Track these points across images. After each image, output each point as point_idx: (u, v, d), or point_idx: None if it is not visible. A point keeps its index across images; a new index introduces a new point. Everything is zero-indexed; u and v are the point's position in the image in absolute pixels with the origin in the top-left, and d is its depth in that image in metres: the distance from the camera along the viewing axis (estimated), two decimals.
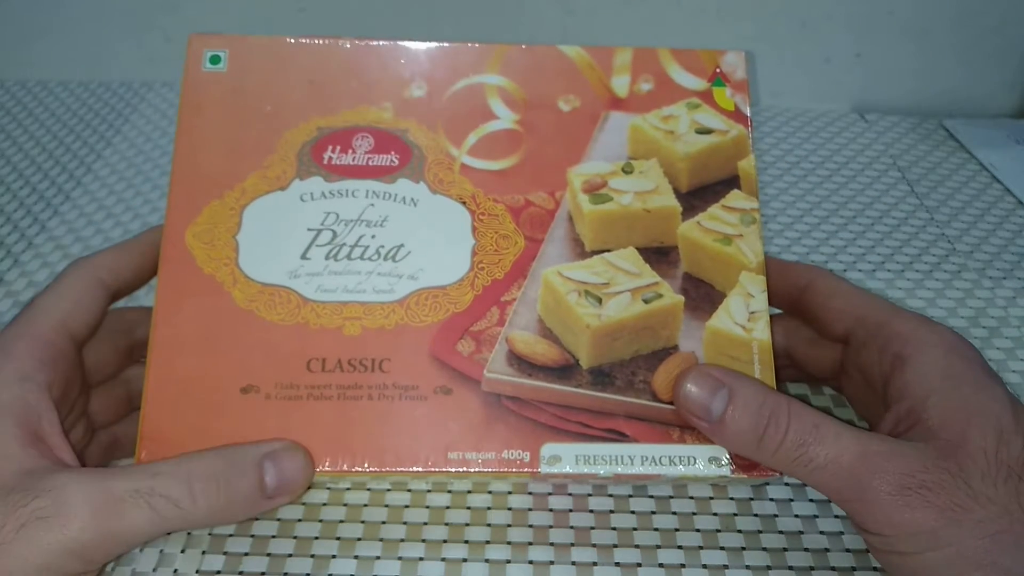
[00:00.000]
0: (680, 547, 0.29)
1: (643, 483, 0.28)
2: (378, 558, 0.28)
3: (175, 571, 0.28)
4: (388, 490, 0.31)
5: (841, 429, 0.25)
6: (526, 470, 0.27)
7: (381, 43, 0.32)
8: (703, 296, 0.29)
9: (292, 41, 0.32)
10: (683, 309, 0.29)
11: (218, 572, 0.28)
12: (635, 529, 0.30)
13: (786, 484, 0.31)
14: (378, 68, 0.32)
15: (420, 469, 0.27)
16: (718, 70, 0.32)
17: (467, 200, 0.30)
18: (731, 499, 0.31)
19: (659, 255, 0.30)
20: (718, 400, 0.26)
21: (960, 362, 0.26)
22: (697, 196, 0.31)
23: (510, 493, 0.31)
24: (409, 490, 0.31)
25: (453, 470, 0.27)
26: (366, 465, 0.27)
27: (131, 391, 0.31)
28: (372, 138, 0.31)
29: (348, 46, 0.32)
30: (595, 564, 0.28)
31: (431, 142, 0.31)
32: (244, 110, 0.31)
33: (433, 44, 0.32)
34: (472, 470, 0.27)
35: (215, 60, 0.32)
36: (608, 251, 0.30)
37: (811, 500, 0.31)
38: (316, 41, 0.32)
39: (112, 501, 0.23)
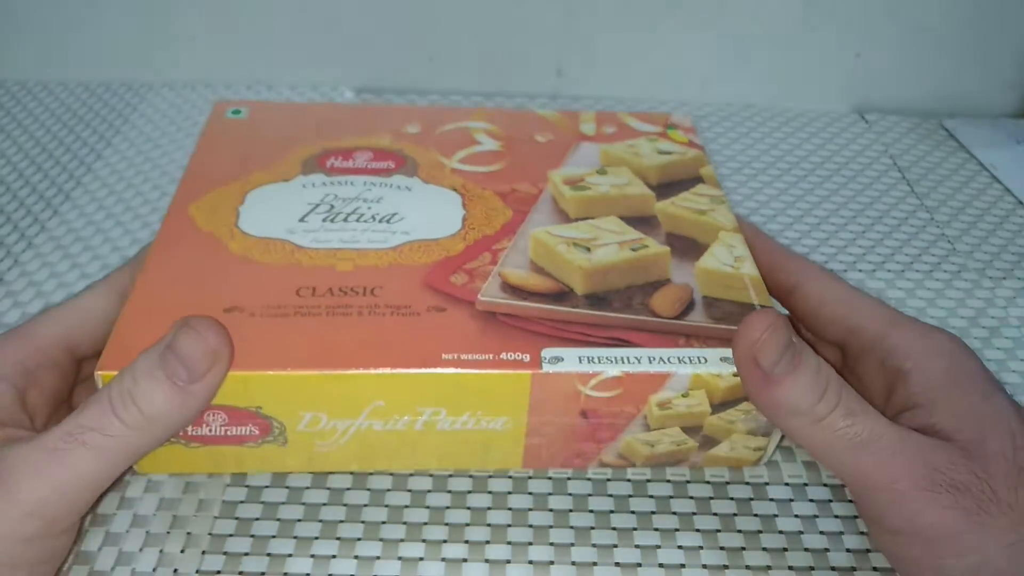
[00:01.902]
0: (680, 547, 0.29)
1: (655, 394, 0.26)
2: (378, 558, 0.28)
3: (175, 571, 0.28)
4: (388, 490, 0.31)
5: (877, 412, 0.24)
6: (527, 370, 0.26)
7: (384, 106, 0.39)
8: (687, 246, 0.31)
9: (307, 105, 0.39)
10: (670, 256, 0.30)
11: (218, 572, 0.28)
12: (635, 529, 0.30)
13: (786, 484, 0.31)
14: (378, 116, 0.37)
15: (414, 370, 0.25)
16: (669, 121, 0.38)
17: (457, 187, 0.33)
18: (731, 499, 0.31)
19: (640, 222, 0.31)
20: (788, 354, 0.24)
21: (962, 370, 0.26)
22: (666, 188, 0.34)
23: (510, 493, 0.31)
24: (409, 490, 0.31)
25: (449, 371, 0.26)
26: (355, 367, 0.25)
27: None
28: (371, 152, 0.35)
29: (355, 107, 0.39)
30: (595, 564, 0.28)
31: (424, 155, 0.35)
32: (258, 135, 0.35)
33: (428, 105, 0.39)
34: (468, 371, 0.26)
35: (236, 112, 0.37)
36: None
37: (811, 500, 0.31)
38: (327, 105, 0.39)
39: (48, 453, 0.23)
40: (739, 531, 0.30)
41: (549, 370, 0.26)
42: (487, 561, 0.28)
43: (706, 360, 0.26)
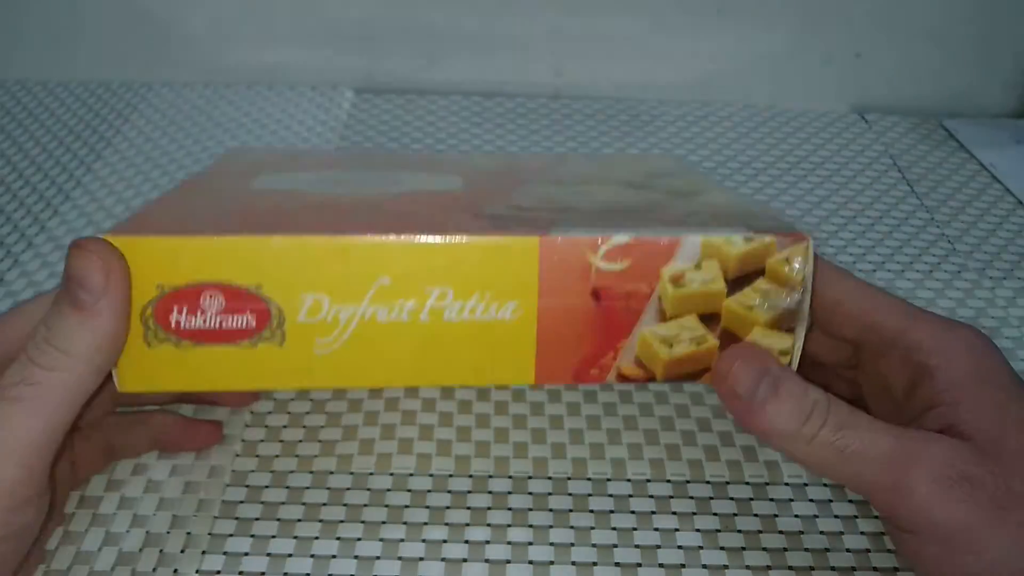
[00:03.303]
0: (680, 547, 0.29)
1: (666, 266, 0.26)
2: (378, 558, 0.28)
3: (175, 571, 0.28)
4: (388, 490, 0.31)
5: (875, 420, 0.24)
6: (536, 235, 0.25)
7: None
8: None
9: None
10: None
11: (218, 572, 0.28)
12: (635, 529, 0.30)
13: (786, 484, 0.31)
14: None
15: (424, 238, 0.24)
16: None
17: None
18: (731, 499, 0.31)
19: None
20: (765, 383, 0.25)
21: (988, 366, 0.26)
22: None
23: (510, 493, 0.31)
24: (409, 490, 0.31)
25: (458, 239, 0.25)
26: (362, 233, 0.24)
27: (109, 441, 0.30)
28: None
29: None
30: (595, 564, 0.28)
31: None
32: None
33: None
34: (477, 237, 0.25)
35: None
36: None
37: (811, 500, 0.31)
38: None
39: None
40: (739, 531, 0.30)
41: (558, 235, 0.25)
42: (487, 561, 0.28)
43: (715, 229, 0.26)
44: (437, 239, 0.25)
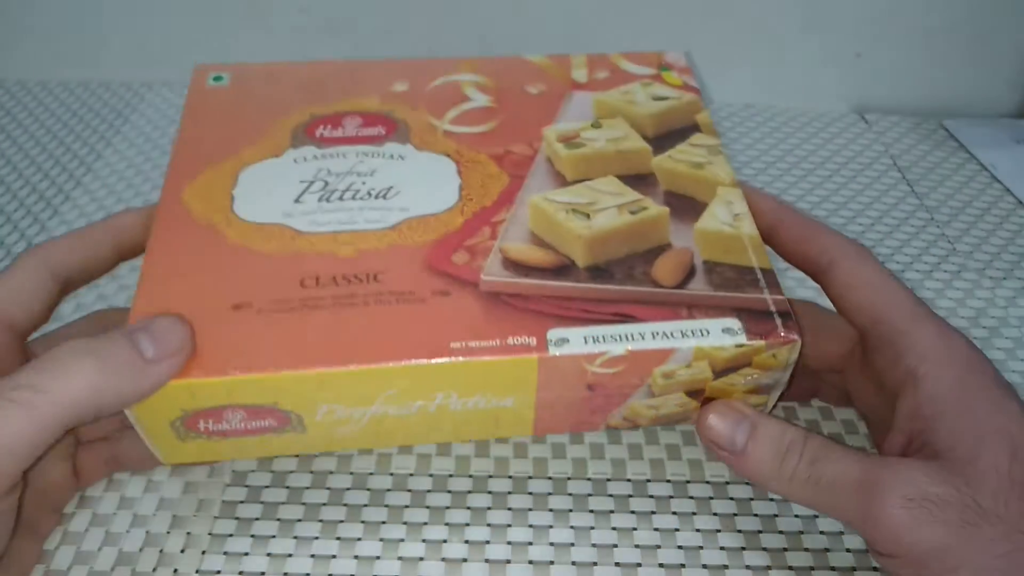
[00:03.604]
0: (680, 547, 0.29)
1: (659, 367, 0.27)
2: (378, 558, 0.28)
3: (175, 571, 0.28)
4: (388, 490, 0.31)
5: (849, 450, 0.25)
6: (534, 354, 0.26)
7: (369, 61, 0.36)
8: (686, 206, 0.30)
9: (291, 64, 0.36)
10: (669, 217, 0.30)
11: (218, 572, 0.28)
12: (635, 529, 0.30)
13: None
14: (364, 75, 0.36)
15: (424, 361, 0.26)
16: (663, 61, 0.37)
17: (451, 153, 0.32)
18: (731, 499, 0.31)
19: (638, 180, 0.31)
20: (741, 431, 0.27)
21: (974, 381, 0.26)
22: (663, 140, 0.33)
23: (510, 493, 0.31)
24: (409, 490, 0.31)
25: (458, 359, 0.26)
26: (367, 362, 0.26)
27: (115, 453, 0.30)
28: (360, 118, 0.34)
29: (340, 63, 0.36)
30: (595, 564, 0.28)
31: (414, 118, 0.34)
32: (243, 105, 0.34)
33: (414, 59, 0.37)
34: (477, 358, 0.26)
35: (218, 79, 0.36)
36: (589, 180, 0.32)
37: None
38: (312, 63, 0.36)
39: None
40: (739, 531, 0.30)
41: (556, 352, 0.26)
42: (487, 561, 0.28)
43: (708, 332, 0.26)
44: (439, 361, 0.26)
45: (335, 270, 0.28)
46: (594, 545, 0.29)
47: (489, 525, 0.30)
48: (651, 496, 0.31)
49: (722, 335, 0.26)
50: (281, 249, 0.28)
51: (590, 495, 0.31)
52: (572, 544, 0.29)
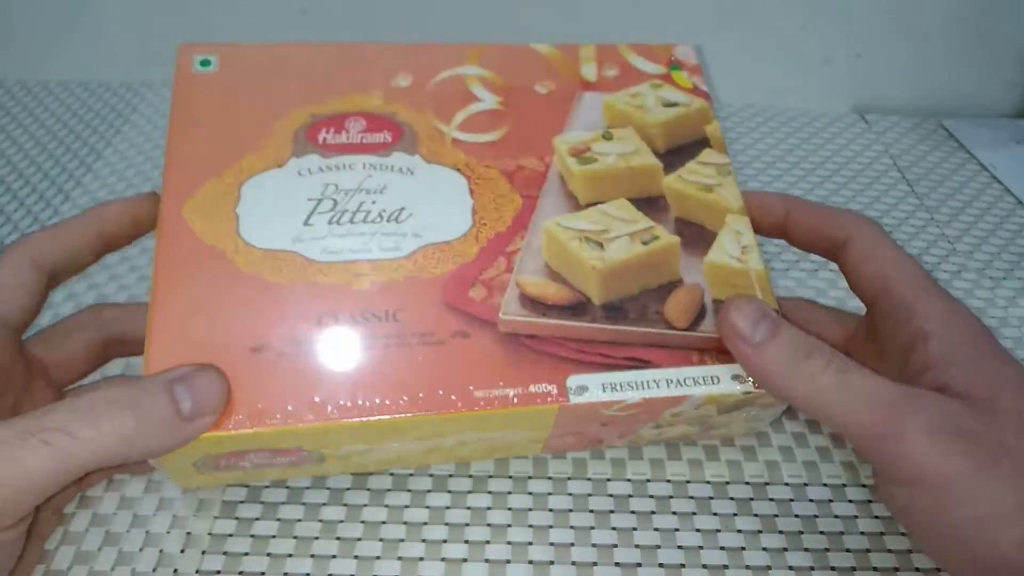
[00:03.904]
0: (680, 547, 0.29)
1: (669, 409, 0.28)
2: (378, 558, 0.28)
3: (175, 571, 0.28)
4: (388, 490, 0.31)
5: (877, 374, 0.25)
6: (555, 403, 0.27)
7: (366, 45, 0.34)
8: (695, 235, 0.31)
9: (281, 46, 0.34)
10: (680, 247, 0.30)
11: (218, 572, 0.28)
12: (635, 529, 0.30)
13: (786, 484, 0.31)
14: (365, 64, 0.34)
15: (451, 412, 0.26)
16: (673, 58, 0.36)
17: (461, 167, 0.32)
18: (731, 499, 0.31)
19: (649, 204, 0.32)
20: (764, 324, 0.26)
21: (981, 338, 0.27)
22: (673, 155, 0.33)
23: (510, 493, 0.31)
24: (409, 490, 0.31)
25: (483, 410, 0.26)
26: (393, 413, 0.26)
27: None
28: (364, 120, 0.32)
29: (335, 49, 0.34)
30: (595, 564, 0.28)
31: (421, 122, 0.33)
32: (236, 101, 0.32)
33: (415, 44, 0.35)
34: (501, 408, 0.26)
35: (205, 63, 0.33)
36: (601, 203, 0.31)
37: (811, 500, 0.31)
38: (304, 46, 0.34)
39: (1, 448, 0.22)
40: (739, 531, 0.30)
41: (576, 401, 0.27)
42: (487, 561, 0.28)
43: (719, 380, 0.27)
44: (461, 414, 0.26)
45: (353, 307, 0.28)
46: (594, 545, 0.29)
47: (489, 525, 0.30)
48: (651, 496, 0.31)
49: (731, 382, 0.28)
50: (294, 279, 0.28)
51: (590, 495, 0.31)
52: (572, 544, 0.29)
